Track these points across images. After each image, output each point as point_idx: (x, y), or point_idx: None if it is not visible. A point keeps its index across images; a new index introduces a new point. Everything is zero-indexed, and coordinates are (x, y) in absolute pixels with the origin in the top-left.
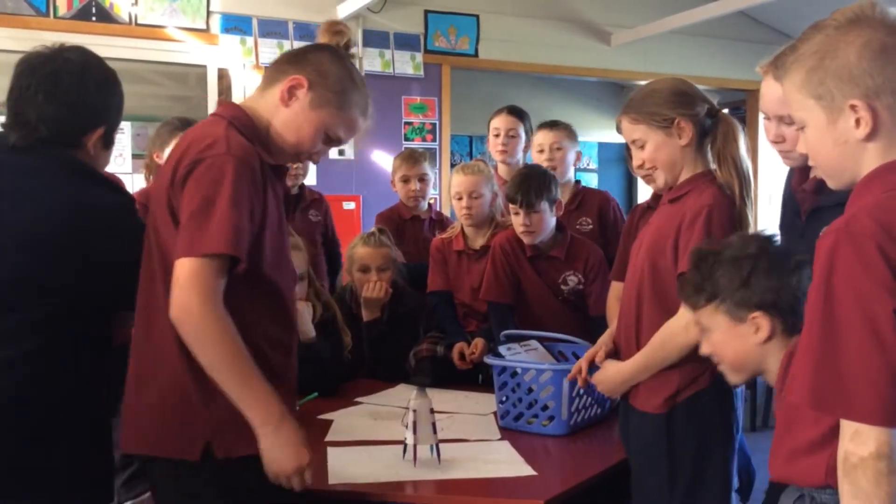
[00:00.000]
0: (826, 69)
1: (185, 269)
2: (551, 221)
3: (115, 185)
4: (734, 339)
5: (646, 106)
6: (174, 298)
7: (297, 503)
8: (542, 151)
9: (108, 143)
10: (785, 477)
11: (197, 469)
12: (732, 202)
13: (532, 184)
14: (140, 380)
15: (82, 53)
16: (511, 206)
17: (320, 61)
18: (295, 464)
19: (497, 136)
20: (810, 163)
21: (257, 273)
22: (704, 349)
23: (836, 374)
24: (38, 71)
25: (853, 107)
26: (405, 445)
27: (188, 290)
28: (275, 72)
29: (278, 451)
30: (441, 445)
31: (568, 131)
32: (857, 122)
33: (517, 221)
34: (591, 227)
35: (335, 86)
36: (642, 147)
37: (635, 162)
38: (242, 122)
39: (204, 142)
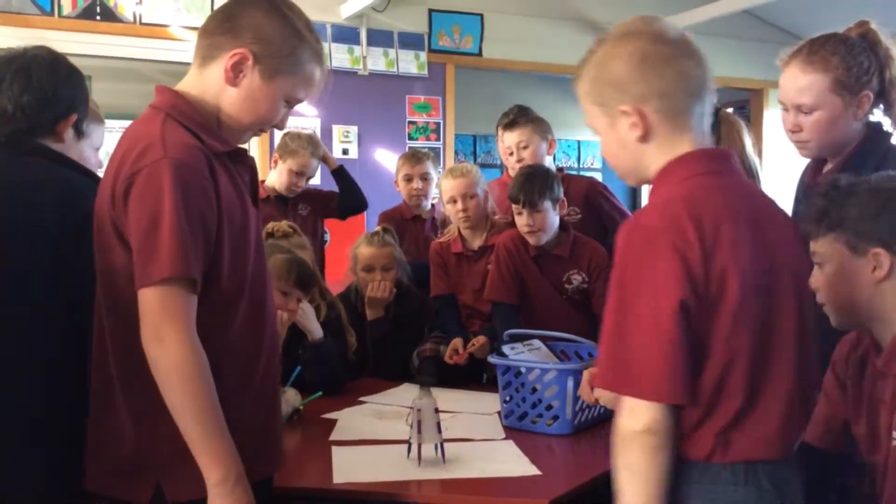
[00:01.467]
0: (602, 79)
1: (150, 299)
2: (555, 220)
3: (92, 172)
4: (848, 274)
5: None
6: (145, 331)
7: None
8: (511, 154)
9: (79, 132)
10: (684, 454)
11: None
12: None
13: (535, 183)
14: (92, 412)
15: (49, 50)
16: (514, 206)
17: (258, 25)
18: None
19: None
20: (611, 166)
21: (216, 287)
22: (812, 283)
23: (622, 356)
24: (9, 66)
25: (624, 112)
26: (409, 445)
27: (159, 320)
28: (209, 45)
29: None
30: (445, 445)
31: (533, 125)
32: (632, 125)
33: (521, 222)
34: (578, 216)
35: (283, 50)
36: None
37: None
38: (183, 112)
39: (139, 146)
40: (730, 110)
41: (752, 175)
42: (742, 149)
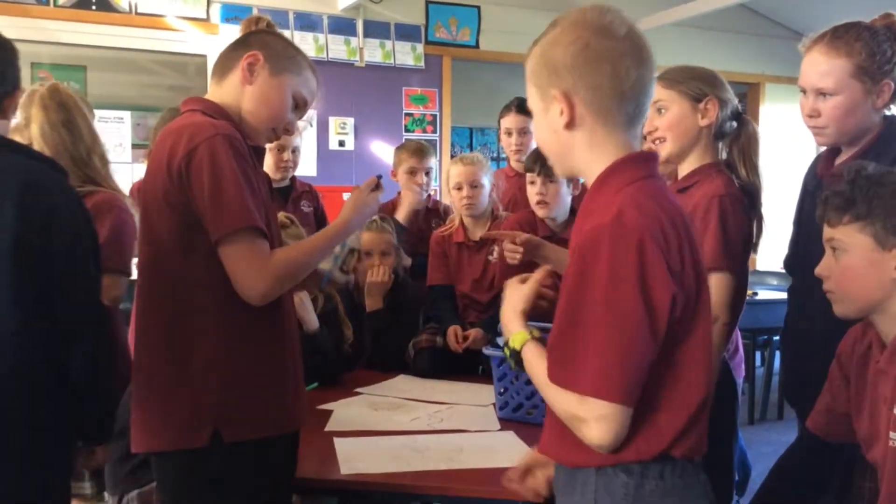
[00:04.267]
0: (543, 60)
1: (227, 257)
2: (567, 199)
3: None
4: (869, 266)
5: (682, 76)
6: (238, 285)
7: (311, 486)
8: (509, 134)
9: (2, 111)
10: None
11: (207, 456)
12: (741, 190)
13: None
14: (141, 375)
15: None
16: (528, 175)
17: (262, 38)
18: (366, 211)
19: (510, 135)
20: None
21: None
22: (821, 269)
23: (620, 363)
24: None
25: (555, 97)
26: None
27: (243, 268)
28: (226, 60)
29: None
30: (450, 436)
31: None
32: (561, 111)
33: (532, 192)
34: None
35: (285, 52)
36: (661, 112)
37: (647, 127)
38: (214, 111)
39: (188, 133)
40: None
41: (760, 178)
42: (757, 154)
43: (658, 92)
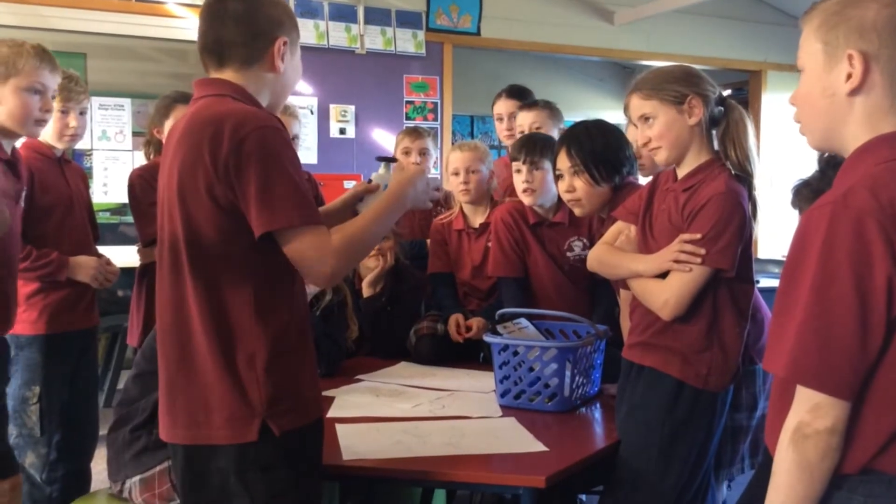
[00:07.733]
0: (843, 16)
1: (290, 248)
2: (553, 186)
3: None
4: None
5: (659, 83)
6: (306, 273)
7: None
8: (501, 120)
9: None
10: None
11: (255, 448)
12: (743, 187)
13: (536, 142)
14: (177, 371)
15: None
16: (514, 164)
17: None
18: (416, 177)
19: (500, 120)
20: (794, 117)
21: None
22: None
23: (817, 347)
24: None
25: (850, 57)
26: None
27: (308, 259)
28: (250, 40)
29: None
30: (452, 423)
31: (550, 111)
32: (849, 75)
33: (518, 180)
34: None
35: (291, 22)
36: (649, 122)
37: (640, 139)
38: (244, 95)
39: (228, 122)
40: (727, 92)
41: (752, 163)
42: (747, 137)
43: (640, 105)
